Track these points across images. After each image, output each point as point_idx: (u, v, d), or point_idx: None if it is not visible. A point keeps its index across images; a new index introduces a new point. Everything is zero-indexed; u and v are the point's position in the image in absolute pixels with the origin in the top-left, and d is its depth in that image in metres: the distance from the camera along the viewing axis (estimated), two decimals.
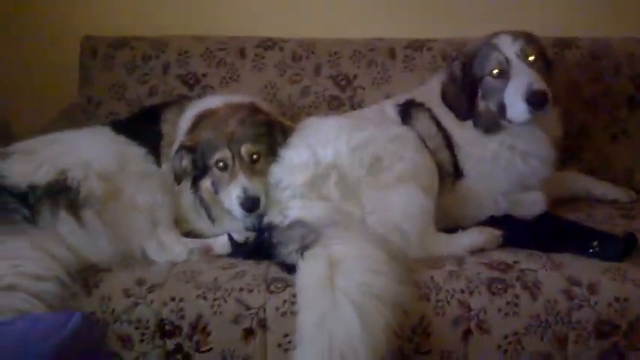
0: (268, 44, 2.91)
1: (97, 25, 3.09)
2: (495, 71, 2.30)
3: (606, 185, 2.69)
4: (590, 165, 2.82)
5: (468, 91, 2.36)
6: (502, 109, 2.30)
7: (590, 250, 2.15)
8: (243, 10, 3.09)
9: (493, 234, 2.24)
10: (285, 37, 2.93)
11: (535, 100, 2.19)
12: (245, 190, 2.17)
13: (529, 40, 2.32)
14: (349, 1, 3.08)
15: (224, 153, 2.21)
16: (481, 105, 2.37)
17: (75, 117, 2.93)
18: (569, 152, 2.77)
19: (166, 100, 2.80)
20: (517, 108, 2.24)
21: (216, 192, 2.28)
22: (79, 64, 2.96)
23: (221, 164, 2.23)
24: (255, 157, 2.22)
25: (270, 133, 2.28)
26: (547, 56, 2.39)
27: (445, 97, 2.42)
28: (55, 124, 2.91)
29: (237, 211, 2.20)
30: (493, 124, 2.36)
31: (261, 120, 2.29)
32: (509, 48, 2.29)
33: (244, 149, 2.21)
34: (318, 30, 2.98)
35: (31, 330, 1.06)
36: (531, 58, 2.28)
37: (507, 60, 2.28)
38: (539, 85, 2.20)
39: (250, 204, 2.17)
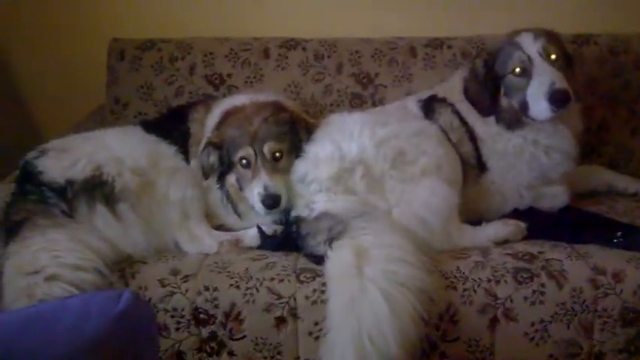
0: (291, 44, 2.96)
1: (123, 27, 3.16)
2: (517, 70, 2.33)
3: (627, 179, 2.72)
4: (611, 159, 2.85)
5: (490, 88, 2.40)
6: (524, 106, 2.33)
7: (615, 241, 2.18)
8: (266, 11, 3.15)
9: (518, 225, 2.28)
10: (308, 38, 2.98)
11: (557, 99, 2.22)
12: (266, 188, 2.22)
13: (550, 38, 2.35)
14: (370, 1, 3.13)
15: (247, 151, 2.27)
16: (503, 102, 2.40)
17: (103, 118, 3.02)
18: (590, 147, 2.81)
19: (192, 99, 2.88)
20: (539, 106, 2.27)
21: (240, 188, 2.34)
22: (107, 66, 3.02)
23: (244, 161, 2.29)
24: (277, 155, 2.28)
25: (294, 131, 2.33)
26: (568, 53, 2.42)
27: (467, 94, 2.46)
28: (84, 125, 3.01)
29: (259, 207, 2.25)
30: (515, 120, 2.39)
31: (285, 118, 2.34)
32: (531, 46, 2.32)
33: (267, 148, 2.26)
34: (340, 30, 3.03)
35: (88, 306, 1.12)
36: (553, 57, 2.31)
37: (529, 58, 2.31)
38: (561, 84, 2.23)
39: (271, 201, 2.22)
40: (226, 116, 2.39)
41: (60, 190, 2.17)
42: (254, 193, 2.26)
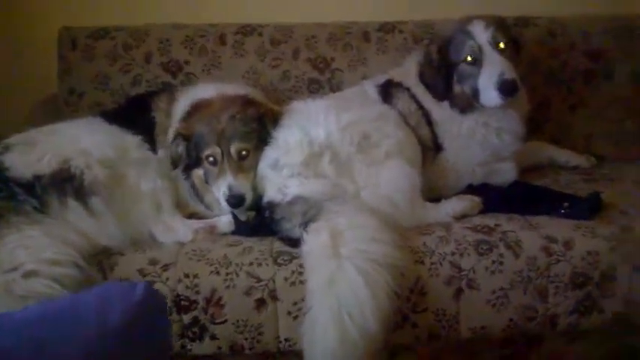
0: (247, 30, 2.99)
1: (73, 15, 3.10)
2: (469, 58, 2.45)
3: (568, 153, 2.94)
4: (552, 134, 3.06)
5: (444, 74, 2.52)
6: (476, 93, 2.47)
7: (562, 211, 2.37)
8: None
9: (473, 200, 2.43)
10: (263, 23, 3.02)
11: (506, 89, 2.37)
12: (231, 188, 2.29)
13: (500, 26, 2.48)
14: None
15: (214, 149, 2.32)
16: (456, 88, 2.53)
17: (57, 108, 2.97)
18: (533, 123, 2.97)
19: (150, 88, 2.88)
20: (489, 95, 2.42)
21: (207, 182, 2.39)
22: (58, 56, 2.96)
23: (211, 159, 2.34)
24: (244, 153, 2.33)
25: (262, 126, 2.37)
26: (516, 39, 2.57)
27: (422, 78, 2.58)
28: (37, 116, 2.95)
29: (224, 205, 2.33)
30: (468, 105, 2.53)
31: (253, 115, 2.37)
32: (481, 36, 2.44)
33: (234, 148, 2.32)
34: (295, 15, 3.09)
35: (107, 297, 1.17)
36: (502, 45, 2.44)
37: (480, 48, 2.43)
38: (510, 74, 2.37)
39: (235, 201, 2.30)
40: (195, 109, 2.42)
41: (28, 186, 2.16)
42: (220, 191, 2.33)
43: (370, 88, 2.68)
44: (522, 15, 3.10)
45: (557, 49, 3.07)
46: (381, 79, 2.71)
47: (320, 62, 2.99)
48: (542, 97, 3.06)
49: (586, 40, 3.08)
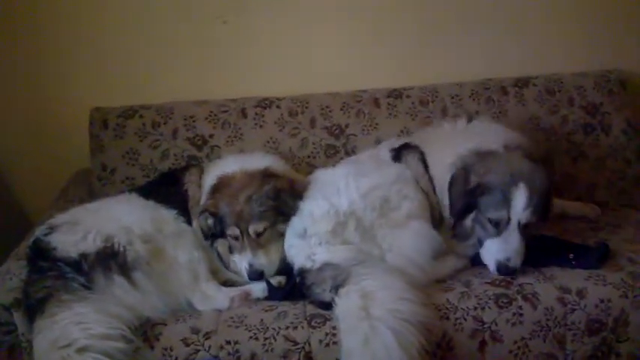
0: (266, 103, 3.20)
1: (101, 95, 3.31)
2: (494, 219, 2.42)
3: (574, 204, 3.10)
4: (557, 186, 3.18)
5: (468, 204, 2.46)
6: (480, 243, 2.49)
7: (573, 262, 2.52)
8: (240, 73, 3.37)
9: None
10: (280, 96, 3.23)
11: (503, 272, 2.42)
12: (251, 265, 2.51)
13: (538, 204, 2.38)
14: (333, 59, 3.43)
15: (234, 230, 2.54)
16: (468, 222, 2.50)
17: (90, 183, 3.16)
18: None
19: (177, 161, 3.07)
20: (488, 262, 2.46)
21: (231, 252, 2.59)
22: (90, 134, 3.15)
23: (233, 236, 2.56)
24: (260, 231, 2.53)
25: (279, 201, 2.55)
26: (548, 206, 2.50)
27: (451, 186, 2.53)
28: (71, 191, 3.14)
29: (246, 278, 2.53)
30: (467, 237, 2.54)
31: (268, 193, 2.54)
32: (517, 210, 2.37)
33: (252, 228, 2.52)
34: (309, 87, 3.31)
35: None
36: (529, 223, 2.40)
37: (509, 219, 2.39)
38: (515, 261, 2.39)
39: (255, 275, 2.51)
40: (219, 184, 2.62)
41: (75, 264, 2.31)
42: (242, 265, 2.53)
43: (384, 152, 2.84)
44: (521, 76, 3.32)
45: (556, 105, 3.26)
46: (398, 142, 2.87)
47: (335, 129, 3.18)
48: (545, 151, 3.20)
49: (582, 95, 3.28)
